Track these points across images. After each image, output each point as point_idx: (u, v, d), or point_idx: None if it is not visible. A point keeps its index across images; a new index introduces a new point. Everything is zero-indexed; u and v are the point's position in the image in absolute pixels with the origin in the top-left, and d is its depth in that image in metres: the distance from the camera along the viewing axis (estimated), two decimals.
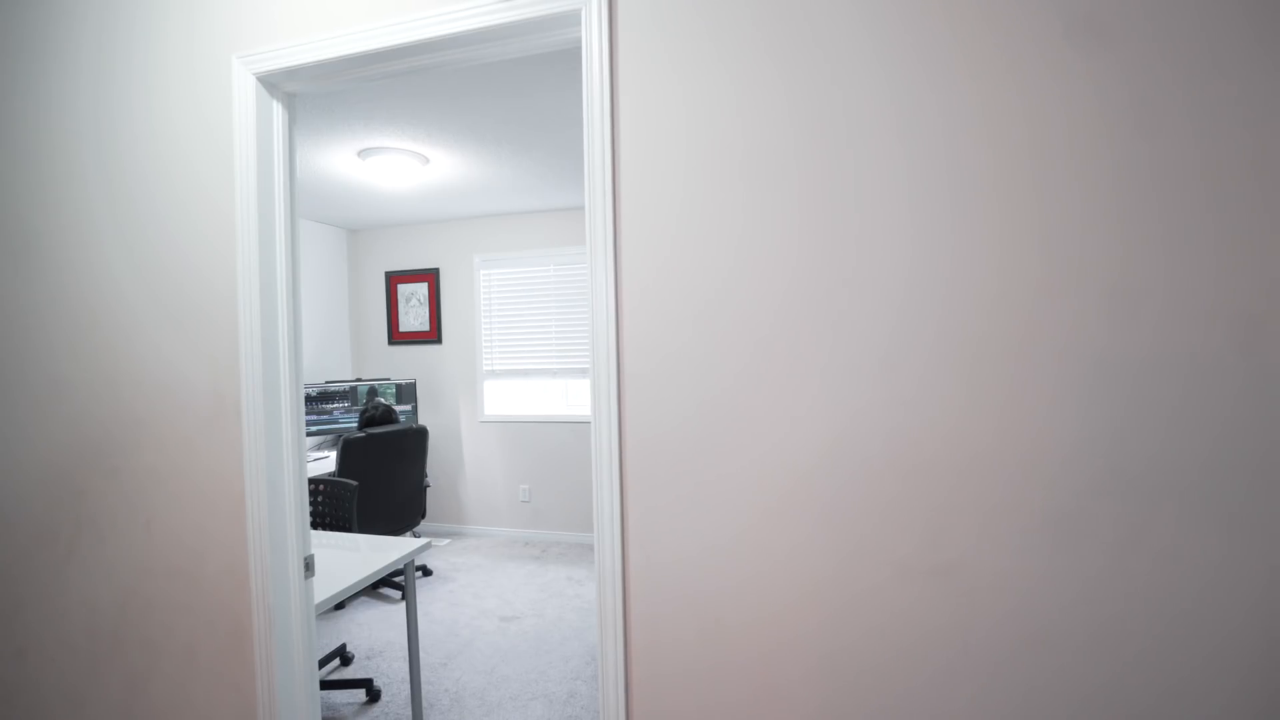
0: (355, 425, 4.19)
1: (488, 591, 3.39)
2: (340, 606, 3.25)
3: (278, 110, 1.37)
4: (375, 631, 3.01)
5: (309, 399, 4.01)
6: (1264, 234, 0.81)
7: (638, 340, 1.07)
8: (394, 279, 4.67)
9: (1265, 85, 0.80)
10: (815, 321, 0.99)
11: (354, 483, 2.88)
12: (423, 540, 2.09)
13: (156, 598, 1.44)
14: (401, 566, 1.96)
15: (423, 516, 3.60)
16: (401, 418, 4.38)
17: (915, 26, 0.93)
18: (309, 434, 3.90)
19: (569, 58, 1.13)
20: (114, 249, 1.45)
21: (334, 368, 4.62)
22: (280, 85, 1.35)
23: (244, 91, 1.31)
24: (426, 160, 3.12)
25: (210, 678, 1.41)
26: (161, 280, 1.41)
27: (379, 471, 3.39)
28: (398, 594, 3.38)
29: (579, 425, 4.17)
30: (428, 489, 3.56)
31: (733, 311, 1.02)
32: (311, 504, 2.78)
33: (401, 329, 4.68)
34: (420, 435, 3.63)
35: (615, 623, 1.09)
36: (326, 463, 3.74)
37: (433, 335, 4.58)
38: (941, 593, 0.94)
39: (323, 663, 2.62)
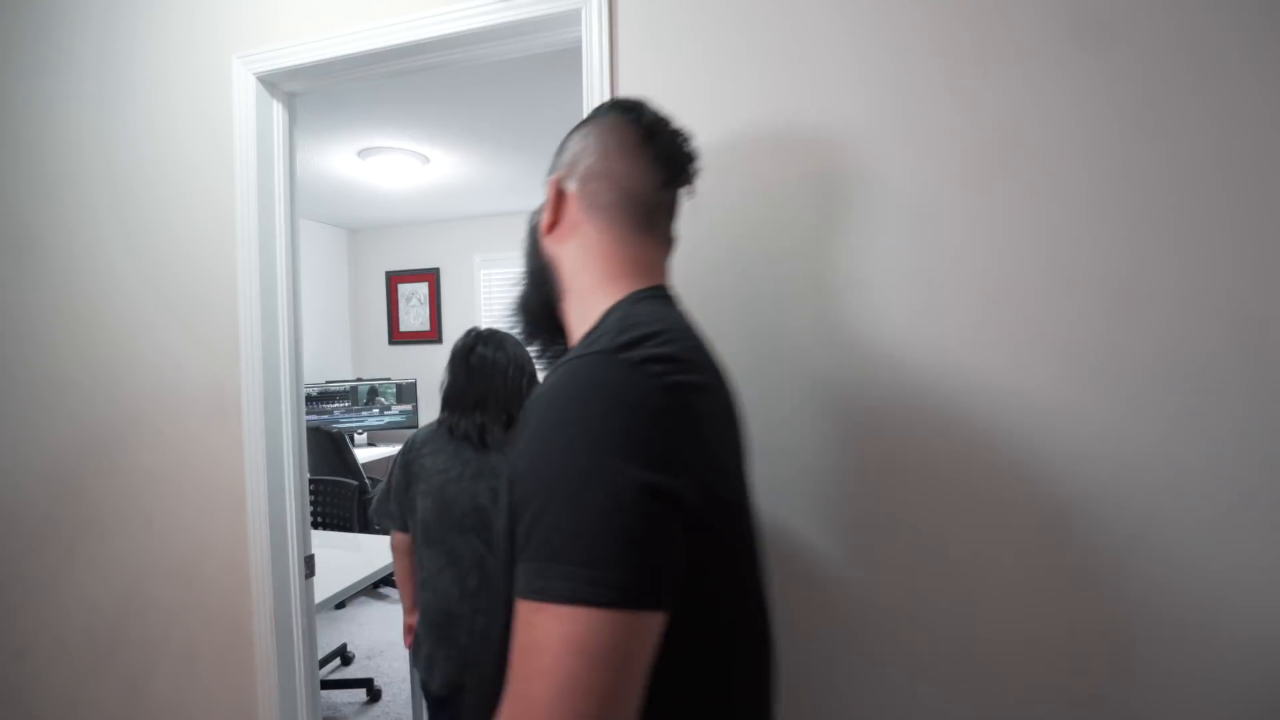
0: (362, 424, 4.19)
1: None
2: (341, 606, 3.25)
3: (278, 110, 1.37)
4: (375, 631, 3.01)
5: (309, 399, 4.01)
6: (1272, 236, 0.81)
7: None
8: (394, 279, 4.67)
9: (1273, 84, 0.80)
10: (802, 317, 0.99)
11: (354, 482, 2.88)
12: None
13: (158, 596, 1.44)
14: None
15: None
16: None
17: (895, 39, 0.93)
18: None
19: (569, 57, 1.13)
20: (118, 247, 1.45)
21: (334, 368, 4.62)
22: (280, 85, 1.35)
23: (244, 91, 1.31)
24: (426, 160, 3.12)
25: (211, 677, 1.41)
26: (165, 278, 1.42)
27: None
28: (398, 593, 3.38)
29: None
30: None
31: (723, 310, 1.02)
32: (311, 504, 2.78)
33: (402, 329, 4.68)
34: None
35: None
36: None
37: (433, 335, 4.59)
38: (938, 593, 0.94)
39: (323, 662, 2.62)
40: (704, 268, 1.03)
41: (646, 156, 0.62)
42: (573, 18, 1.08)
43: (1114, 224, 0.86)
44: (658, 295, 0.61)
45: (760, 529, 0.62)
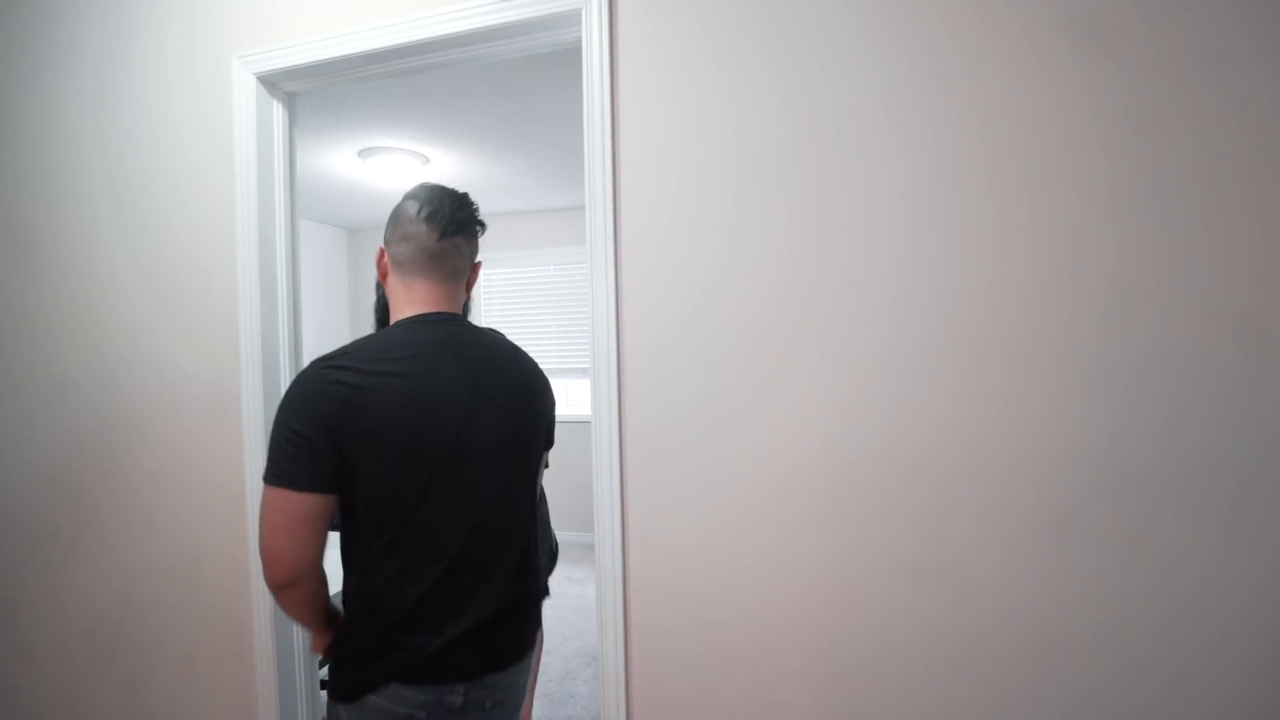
0: None
1: None
2: None
3: (277, 110, 1.37)
4: None
5: None
6: (1263, 234, 0.81)
7: (636, 338, 1.08)
8: None
9: (1263, 86, 0.80)
10: (808, 317, 0.99)
11: None
12: None
13: (157, 596, 1.44)
14: None
15: None
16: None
17: (908, 30, 0.93)
18: None
19: (569, 57, 1.13)
20: (118, 248, 1.45)
21: None
22: (280, 85, 1.35)
23: (244, 91, 1.31)
24: (427, 160, 3.11)
25: (210, 677, 1.41)
26: (165, 279, 1.42)
27: None
28: None
29: (579, 425, 4.15)
30: None
31: (730, 309, 1.02)
32: None
33: None
34: None
35: (615, 622, 1.09)
36: None
37: None
38: (943, 592, 0.94)
39: (323, 663, 2.62)
40: (702, 266, 1.03)
41: (422, 221, 0.89)
42: (573, 18, 1.08)
43: (1122, 224, 0.86)
44: (414, 321, 0.89)
45: (459, 470, 0.86)
